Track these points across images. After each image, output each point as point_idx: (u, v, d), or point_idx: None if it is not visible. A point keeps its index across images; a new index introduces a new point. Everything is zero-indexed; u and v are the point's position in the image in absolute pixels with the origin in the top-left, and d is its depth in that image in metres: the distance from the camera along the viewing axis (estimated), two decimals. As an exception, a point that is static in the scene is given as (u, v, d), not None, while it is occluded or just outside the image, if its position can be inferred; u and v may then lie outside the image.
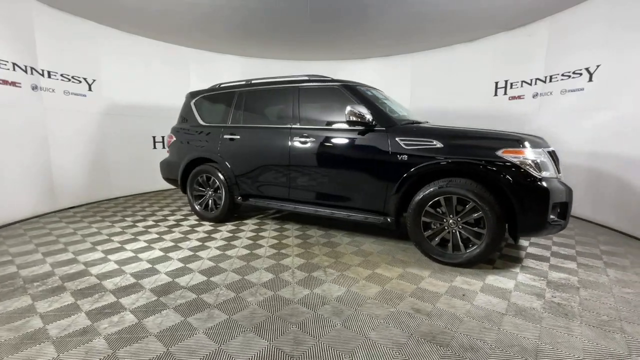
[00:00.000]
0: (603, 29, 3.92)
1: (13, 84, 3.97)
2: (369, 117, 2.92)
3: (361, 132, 3.03)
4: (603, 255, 2.99)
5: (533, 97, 4.94)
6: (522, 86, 5.11)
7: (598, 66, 4.00)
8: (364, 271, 2.65)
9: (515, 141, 2.51)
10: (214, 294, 2.26)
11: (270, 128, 3.61)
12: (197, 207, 4.12)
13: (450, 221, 2.69)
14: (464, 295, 2.26)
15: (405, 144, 2.81)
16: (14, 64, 3.97)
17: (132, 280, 2.47)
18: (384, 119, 3.00)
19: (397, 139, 2.85)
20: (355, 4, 4.25)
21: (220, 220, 4.01)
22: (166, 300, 2.17)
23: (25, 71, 4.12)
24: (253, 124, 3.79)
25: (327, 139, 3.24)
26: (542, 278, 2.52)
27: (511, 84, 5.28)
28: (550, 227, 2.44)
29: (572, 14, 4.34)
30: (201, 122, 4.16)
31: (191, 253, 3.03)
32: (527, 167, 2.42)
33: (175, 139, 4.33)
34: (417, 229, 2.80)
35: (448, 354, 1.65)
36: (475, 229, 2.60)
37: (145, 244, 3.26)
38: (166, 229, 3.80)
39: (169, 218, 4.27)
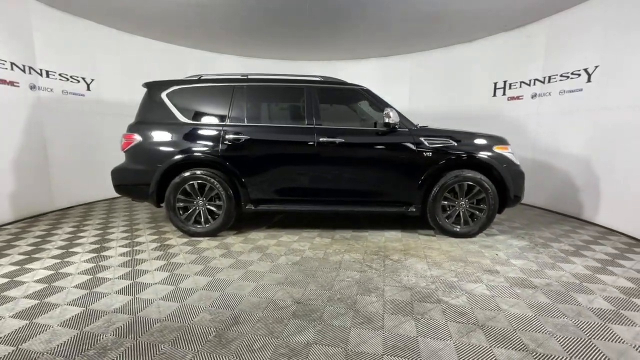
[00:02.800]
0: (601, 30, 3.91)
1: (11, 83, 3.93)
2: (397, 118, 3.32)
3: (386, 133, 3.39)
4: (526, 219, 4.45)
5: (532, 97, 4.90)
6: (520, 87, 5.08)
7: (596, 67, 3.98)
8: (421, 251, 3.09)
9: (502, 139, 3.49)
10: (332, 299, 2.18)
11: (292, 127, 3.44)
12: (185, 223, 3.41)
13: (462, 202, 3.44)
14: (497, 254, 3.04)
15: (429, 143, 3.37)
16: (12, 64, 3.94)
17: (232, 311, 2.02)
18: (403, 121, 3.45)
19: (421, 138, 3.38)
20: (354, 4, 4.28)
21: (215, 233, 3.46)
22: (307, 323, 1.95)
23: (24, 70, 4.09)
24: (261, 122, 3.49)
25: (356, 138, 3.43)
26: (518, 236, 3.61)
27: (510, 84, 5.25)
28: (519, 200, 3.53)
29: (571, 15, 4.32)
30: (183, 120, 3.44)
31: (242, 271, 2.64)
32: (511, 158, 3.42)
33: (140, 139, 3.40)
34: (438, 212, 3.42)
35: (551, 290, 2.32)
36: (481, 206, 3.42)
37: (166, 273, 2.56)
38: (160, 252, 3.02)
39: (138, 240, 3.35)
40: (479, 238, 3.51)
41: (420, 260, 2.90)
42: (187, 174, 3.34)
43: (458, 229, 3.46)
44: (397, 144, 3.39)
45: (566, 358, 1.61)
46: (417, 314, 2.01)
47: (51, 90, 4.46)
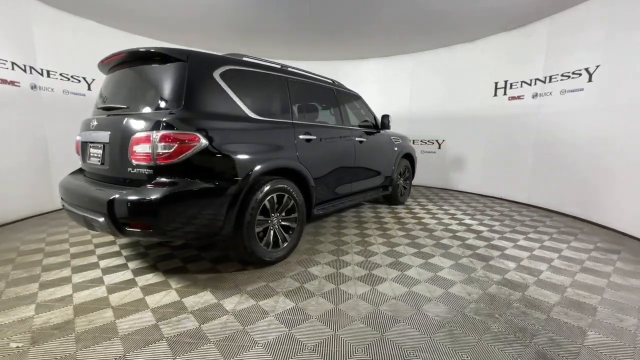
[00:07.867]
0: (602, 29, 3.90)
1: (12, 83, 3.94)
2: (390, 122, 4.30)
3: (375, 133, 4.13)
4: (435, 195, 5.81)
5: (533, 97, 4.90)
6: (521, 86, 5.07)
7: (597, 66, 3.96)
8: (410, 217, 4.24)
9: (407, 137, 5.06)
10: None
11: (342, 128, 3.58)
12: (266, 250, 2.56)
13: (401, 180, 4.80)
14: (437, 209, 4.67)
15: (395, 140, 4.52)
16: (12, 63, 3.95)
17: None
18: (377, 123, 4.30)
19: (391, 137, 4.48)
20: (355, 4, 4.29)
21: (288, 255, 2.76)
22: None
23: (24, 70, 4.10)
24: (314, 121, 3.40)
25: (371, 137, 4.00)
26: (420, 199, 5.36)
27: (511, 84, 5.24)
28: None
29: (572, 14, 4.31)
30: (251, 114, 2.51)
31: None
32: (414, 148, 5.16)
33: (206, 142, 2.11)
34: (397, 189, 4.71)
35: (490, 214, 4.26)
36: (407, 182, 5.00)
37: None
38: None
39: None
40: (408, 204, 4.98)
41: (429, 218, 4.15)
42: (272, 186, 2.51)
43: (402, 199, 4.91)
44: (388, 141, 4.39)
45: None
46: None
47: (52, 90, 4.43)
